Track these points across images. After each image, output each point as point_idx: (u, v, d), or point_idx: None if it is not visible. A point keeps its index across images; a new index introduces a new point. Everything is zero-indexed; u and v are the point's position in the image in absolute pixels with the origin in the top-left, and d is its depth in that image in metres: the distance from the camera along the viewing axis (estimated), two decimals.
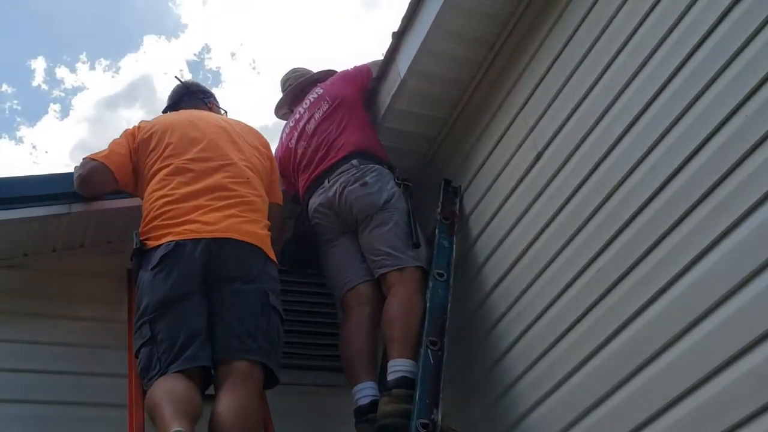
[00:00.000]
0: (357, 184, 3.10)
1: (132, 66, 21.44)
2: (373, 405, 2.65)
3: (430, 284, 2.93)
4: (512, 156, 3.02)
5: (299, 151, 3.38)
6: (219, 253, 2.62)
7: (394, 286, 2.89)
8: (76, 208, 3.04)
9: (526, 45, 3.02)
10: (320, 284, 3.54)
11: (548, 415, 2.59)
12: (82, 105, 20.78)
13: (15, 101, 22.26)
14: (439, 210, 3.22)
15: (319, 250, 3.20)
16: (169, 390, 2.35)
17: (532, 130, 2.93)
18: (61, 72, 21.06)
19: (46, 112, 23.44)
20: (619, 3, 2.55)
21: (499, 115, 3.15)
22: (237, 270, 2.64)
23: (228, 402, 2.39)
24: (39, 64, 20.33)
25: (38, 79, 20.49)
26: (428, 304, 2.84)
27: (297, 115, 3.51)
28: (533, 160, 2.89)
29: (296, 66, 3.84)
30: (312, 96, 3.51)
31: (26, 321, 2.98)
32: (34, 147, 21.85)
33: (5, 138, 21.34)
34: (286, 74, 3.82)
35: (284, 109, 3.79)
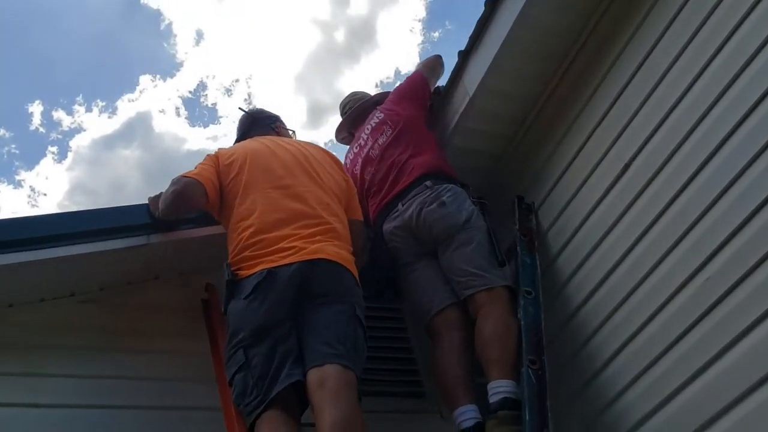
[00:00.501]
0: (434, 205, 3.04)
1: (128, 106, 21.54)
2: (478, 427, 2.58)
3: (521, 302, 2.87)
4: (594, 169, 2.98)
5: (367, 178, 3.34)
6: (310, 274, 2.62)
7: (483, 306, 2.83)
8: (155, 239, 2.99)
9: (602, 58, 3.00)
10: (392, 308, 3.50)
11: None
12: (80, 146, 20.81)
13: (13, 145, 22.25)
14: (517, 227, 3.17)
15: (397, 273, 3.14)
16: None
17: (615, 142, 2.90)
18: (58, 115, 21.13)
19: (44, 155, 23.43)
20: (710, 7, 2.54)
21: (573, 130, 3.12)
22: (326, 287, 2.64)
23: (326, 411, 2.32)
24: (36, 108, 20.39)
25: (35, 122, 20.53)
26: (522, 323, 2.79)
27: (360, 141, 3.47)
28: (620, 172, 2.85)
29: (354, 90, 3.84)
30: (373, 121, 3.47)
31: (106, 356, 2.89)
32: (33, 190, 21.79)
33: (4, 182, 21.28)
34: (345, 98, 3.79)
35: (344, 132, 3.77)
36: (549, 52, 3.15)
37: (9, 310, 2.85)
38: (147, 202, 2.98)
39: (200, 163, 2.98)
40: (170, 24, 20.65)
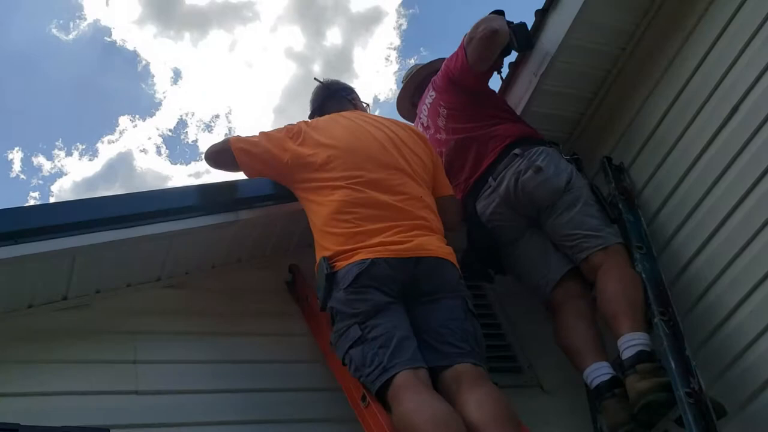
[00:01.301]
0: (530, 172, 2.87)
1: (108, 147, 21.36)
2: (614, 381, 2.44)
3: (637, 257, 2.74)
4: (693, 119, 2.84)
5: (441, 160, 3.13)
6: (416, 271, 2.51)
7: (602, 265, 2.69)
8: (243, 215, 2.85)
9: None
10: (475, 286, 3.35)
11: None
12: (62, 190, 20.57)
13: None
14: (613, 185, 3.05)
15: (502, 253, 2.97)
16: (430, 413, 2.13)
17: (718, 86, 2.78)
18: (38, 160, 20.88)
19: (26, 201, 23.09)
20: None
21: (664, 82, 2.99)
22: (436, 284, 2.54)
23: (478, 401, 2.20)
24: (16, 155, 20.14)
25: (16, 169, 20.28)
26: (643, 276, 2.65)
27: (422, 121, 3.30)
28: (727, 116, 2.72)
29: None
30: (428, 100, 3.29)
31: (201, 340, 2.74)
32: None
33: None
34: (408, 71, 3.62)
35: (406, 103, 3.58)
36: (633, 3, 3.02)
37: (96, 296, 2.70)
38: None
39: (272, 138, 2.82)
40: (147, 65, 20.60)
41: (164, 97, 20.82)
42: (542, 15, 3.20)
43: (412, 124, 3.25)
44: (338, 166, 2.71)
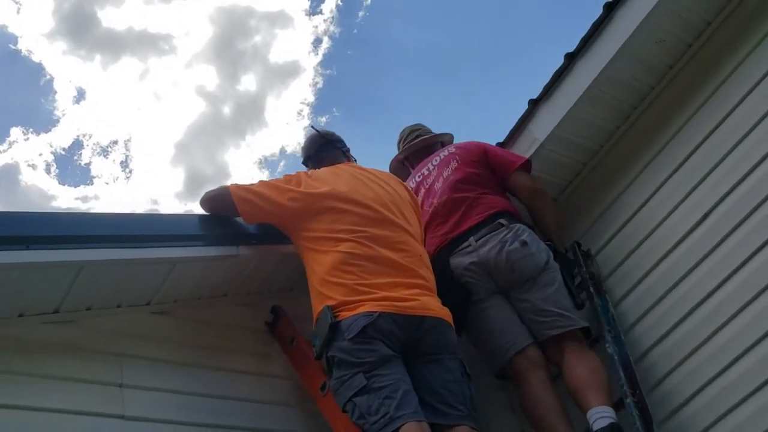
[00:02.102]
0: (516, 244, 3.03)
1: None
2: None
3: (609, 339, 2.93)
4: (663, 220, 3.10)
5: (427, 210, 3.29)
6: (419, 330, 2.59)
7: (571, 345, 2.86)
8: (243, 251, 2.87)
9: (681, 109, 3.14)
10: None
11: None
12: None
13: None
14: (584, 269, 3.26)
15: (467, 310, 3.06)
16: None
17: (690, 194, 3.06)
18: None
19: None
20: None
21: (640, 180, 3.24)
22: (438, 344, 2.63)
23: None
24: None
25: None
26: (616, 358, 2.84)
27: (424, 172, 3.45)
28: (696, 222, 3.00)
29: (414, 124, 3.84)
30: (442, 154, 3.45)
31: (186, 371, 2.72)
32: None
33: None
34: (411, 127, 3.78)
35: (398, 162, 3.74)
36: (622, 104, 3.30)
37: (86, 313, 2.62)
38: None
39: (278, 187, 2.86)
40: (51, 80, 19.80)
41: (63, 115, 19.94)
42: (534, 104, 3.44)
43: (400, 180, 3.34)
44: (342, 218, 2.77)
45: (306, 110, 18.52)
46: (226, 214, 2.90)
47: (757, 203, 2.79)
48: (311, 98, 18.59)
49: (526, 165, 3.32)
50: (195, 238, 2.74)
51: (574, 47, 3.27)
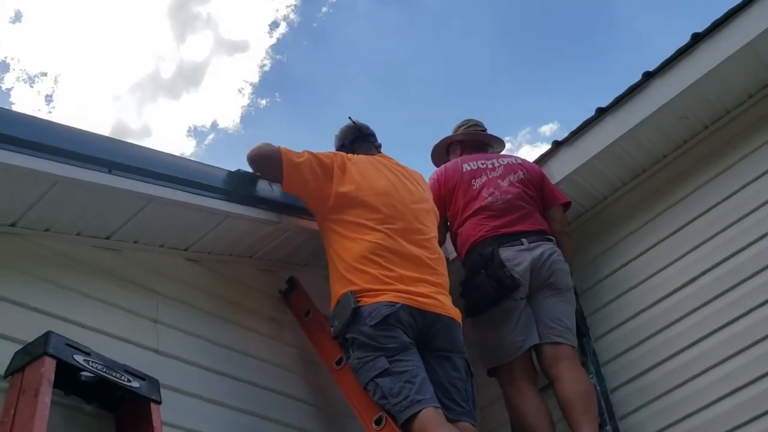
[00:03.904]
0: (560, 257, 3.29)
1: None
2: None
3: (592, 370, 3.18)
4: (653, 275, 3.36)
5: (485, 196, 3.42)
6: (434, 326, 2.72)
7: (567, 360, 3.07)
8: (285, 219, 2.96)
9: (690, 179, 3.41)
10: None
11: None
12: None
13: None
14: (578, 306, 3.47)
15: (498, 300, 3.17)
16: None
17: (683, 256, 3.31)
18: None
19: None
20: None
21: (638, 234, 3.48)
22: (449, 343, 2.77)
23: None
24: None
25: None
26: (597, 388, 3.10)
27: (489, 164, 3.57)
28: (682, 285, 3.25)
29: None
30: (510, 159, 3.62)
31: (216, 321, 2.82)
32: None
33: None
34: (475, 120, 3.94)
35: (443, 150, 3.88)
36: (634, 164, 3.55)
37: (132, 246, 2.66)
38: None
39: (321, 160, 2.92)
40: None
41: None
42: (557, 145, 3.67)
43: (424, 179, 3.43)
44: (376, 210, 2.87)
45: (247, 89, 18.20)
46: (264, 174, 2.93)
47: (740, 279, 3.09)
48: (255, 78, 18.26)
49: (567, 205, 3.56)
50: (248, 197, 2.81)
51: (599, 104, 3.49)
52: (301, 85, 17.97)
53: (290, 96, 17.70)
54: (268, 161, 2.89)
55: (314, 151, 2.96)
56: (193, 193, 2.59)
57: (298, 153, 2.92)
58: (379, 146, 3.42)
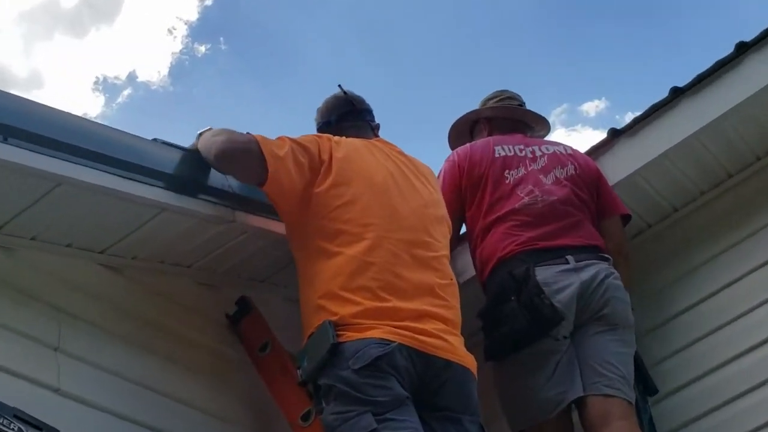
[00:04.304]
0: (620, 282, 3.32)
1: None
2: None
3: None
4: (744, 315, 3.43)
5: (521, 195, 3.46)
6: (440, 376, 2.74)
7: (622, 419, 3.09)
8: (242, 218, 2.99)
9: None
10: None
11: None
12: None
13: None
14: None
15: (531, 339, 3.18)
16: None
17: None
18: None
19: None
20: None
21: (724, 260, 3.56)
22: (460, 403, 2.79)
23: None
24: None
25: None
26: None
27: (528, 153, 3.62)
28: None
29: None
30: (556, 148, 3.68)
31: (130, 350, 2.86)
32: None
33: None
34: (509, 92, 4.02)
35: (467, 126, 3.98)
36: (720, 166, 3.63)
37: (30, 244, 2.66)
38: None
39: (302, 144, 2.94)
40: None
41: None
42: (615, 134, 3.72)
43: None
44: (369, 211, 2.89)
45: (182, 30, 18.12)
46: (237, 174, 2.95)
47: None
48: (193, 16, 18.13)
49: (628, 218, 3.62)
50: (194, 186, 2.84)
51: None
52: (256, 31, 17.83)
53: (239, 44, 17.57)
54: (244, 157, 2.87)
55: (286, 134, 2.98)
56: (120, 176, 2.60)
57: (276, 141, 2.92)
58: (377, 127, 3.45)
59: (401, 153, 3.26)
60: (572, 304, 3.20)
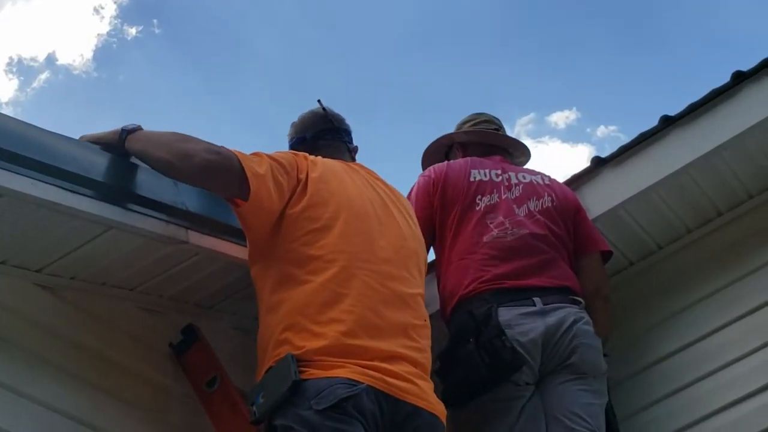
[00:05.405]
0: (590, 328, 3.30)
1: None
2: None
3: None
4: (727, 366, 3.41)
5: (491, 225, 3.45)
6: (409, 424, 2.70)
7: None
8: (196, 239, 2.94)
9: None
10: None
11: None
12: None
13: None
14: None
15: (490, 385, 3.14)
16: None
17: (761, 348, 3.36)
18: None
19: None
20: None
21: (709, 305, 3.56)
22: None
23: None
24: None
25: None
26: None
27: (504, 180, 3.61)
28: (765, 386, 3.31)
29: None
30: (533, 177, 3.67)
31: (66, 384, 2.82)
32: None
33: None
34: (487, 115, 4.04)
35: (441, 150, 3.99)
36: (710, 203, 3.64)
37: None
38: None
39: (278, 162, 2.90)
40: None
41: None
42: (599, 163, 3.72)
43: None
44: (346, 237, 2.86)
45: (110, 10, 17.75)
46: (215, 191, 2.92)
47: None
48: None
49: (608, 255, 3.60)
50: (144, 203, 2.78)
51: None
52: (195, 14, 17.42)
53: (175, 28, 17.22)
54: (225, 173, 2.79)
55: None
56: (65, 189, 2.56)
57: (254, 158, 2.87)
58: (355, 150, 3.45)
59: (382, 181, 3.26)
60: (536, 349, 3.17)
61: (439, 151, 3.96)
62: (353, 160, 3.37)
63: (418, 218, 3.32)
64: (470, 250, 3.41)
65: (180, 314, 3.21)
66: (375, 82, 16.62)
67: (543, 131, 18.23)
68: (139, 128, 2.90)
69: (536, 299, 3.27)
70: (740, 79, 3.50)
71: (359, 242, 2.88)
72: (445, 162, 3.75)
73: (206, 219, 2.99)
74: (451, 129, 4.08)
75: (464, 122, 4.00)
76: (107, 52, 17.38)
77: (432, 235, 3.53)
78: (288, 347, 2.66)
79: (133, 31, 17.43)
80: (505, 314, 3.20)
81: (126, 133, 2.87)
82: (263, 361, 2.73)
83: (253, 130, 16.22)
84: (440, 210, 3.54)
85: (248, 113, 17.38)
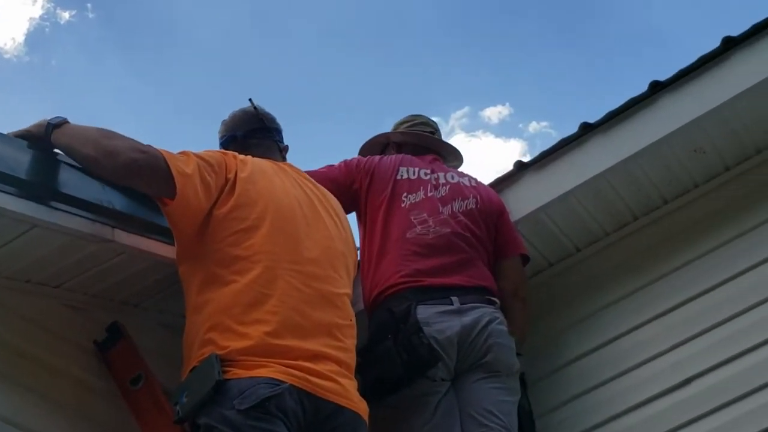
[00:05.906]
0: (504, 328, 3.45)
1: None
2: None
3: None
4: (639, 366, 3.59)
5: (414, 222, 3.58)
6: (331, 423, 2.80)
7: None
8: (122, 237, 2.99)
9: (691, 240, 3.71)
10: None
11: None
12: None
13: None
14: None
15: (408, 381, 3.25)
16: None
17: (684, 343, 3.54)
18: None
19: None
20: None
21: (623, 307, 3.74)
22: None
23: None
24: None
25: None
26: None
27: (433, 179, 3.75)
28: (674, 386, 3.48)
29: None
30: (461, 179, 3.80)
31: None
32: None
33: None
34: (424, 117, 4.18)
35: (379, 146, 4.11)
36: (624, 208, 3.82)
37: None
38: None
39: (205, 160, 2.97)
40: None
41: None
42: (521, 167, 3.87)
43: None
44: (272, 237, 2.94)
45: None
46: (142, 190, 2.96)
47: (757, 386, 3.35)
48: None
49: (527, 258, 3.76)
50: (70, 201, 2.83)
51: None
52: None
53: (109, 13, 16.95)
54: (151, 172, 2.85)
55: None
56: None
57: (181, 157, 2.93)
58: (286, 149, 3.55)
59: (311, 181, 3.36)
60: (452, 347, 3.32)
61: (374, 150, 4.08)
62: (284, 159, 3.47)
63: (331, 180, 3.50)
64: (393, 245, 3.54)
65: (106, 312, 3.26)
66: (307, 77, 16.61)
67: (477, 125, 18.43)
68: (65, 122, 2.95)
69: (454, 298, 3.41)
70: (657, 88, 3.66)
71: (285, 243, 2.96)
72: (378, 156, 3.89)
73: (133, 217, 3.05)
74: (386, 128, 4.22)
75: (401, 123, 4.14)
76: (39, 37, 17.13)
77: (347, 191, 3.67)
78: (212, 347, 2.73)
79: (66, 15, 17.18)
80: (424, 312, 3.33)
81: (52, 127, 2.92)
82: (188, 360, 2.80)
83: (184, 117, 16.15)
84: (365, 198, 3.69)
85: (180, 100, 17.28)
